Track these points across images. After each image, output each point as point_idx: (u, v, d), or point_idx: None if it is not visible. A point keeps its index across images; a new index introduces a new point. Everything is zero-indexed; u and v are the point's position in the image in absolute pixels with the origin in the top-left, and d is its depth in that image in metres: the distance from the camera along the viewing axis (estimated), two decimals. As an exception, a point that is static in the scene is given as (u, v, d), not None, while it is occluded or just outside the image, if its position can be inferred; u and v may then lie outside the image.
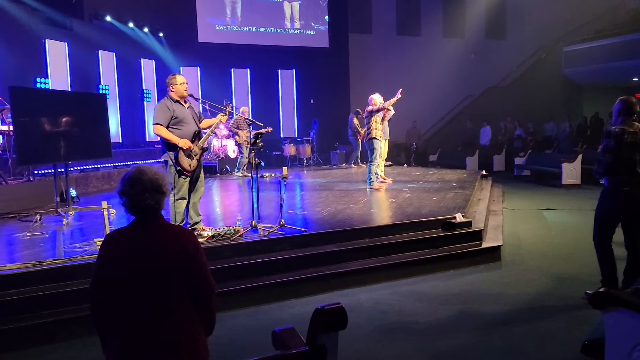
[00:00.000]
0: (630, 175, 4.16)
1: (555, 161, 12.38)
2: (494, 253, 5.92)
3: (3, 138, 7.40)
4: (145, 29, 13.71)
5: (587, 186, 11.42)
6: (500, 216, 8.00)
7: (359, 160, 13.59)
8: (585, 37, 18.04)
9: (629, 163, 4.14)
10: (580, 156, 11.92)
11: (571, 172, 11.80)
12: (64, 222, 6.23)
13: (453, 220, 6.09)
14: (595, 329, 3.28)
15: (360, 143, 13.15)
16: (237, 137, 11.31)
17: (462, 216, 6.23)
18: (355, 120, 13.04)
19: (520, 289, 4.91)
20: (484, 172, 11.89)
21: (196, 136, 5.17)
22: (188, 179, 5.16)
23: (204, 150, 5.27)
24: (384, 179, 9.83)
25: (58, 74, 10.81)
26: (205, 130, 5.37)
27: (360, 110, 13.15)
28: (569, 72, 18.79)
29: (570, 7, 17.82)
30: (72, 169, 8.09)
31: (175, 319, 2.04)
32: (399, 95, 8.81)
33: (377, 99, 8.86)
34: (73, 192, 7.59)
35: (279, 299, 4.69)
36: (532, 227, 7.61)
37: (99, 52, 12.09)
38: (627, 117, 4.24)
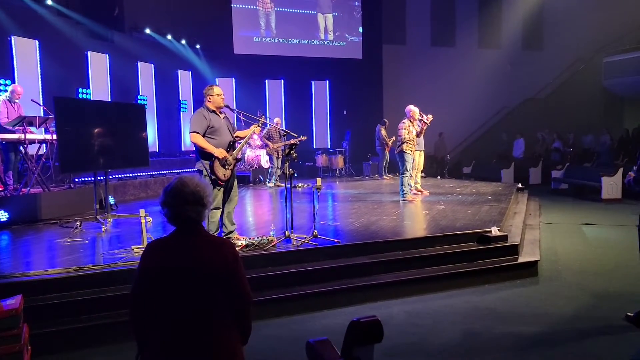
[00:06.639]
0: None
1: (594, 175, 12.02)
2: (531, 268, 5.77)
3: (46, 147, 7.66)
4: (183, 41, 14.08)
5: (629, 201, 11.04)
6: (537, 230, 7.81)
7: (387, 171, 13.49)
8: (627, 47, 17.55)
9: None
10: (621, 170, 11.52)
11: (611, 186, 11.43)
12: (103, 229, 6.39)
13: (488, 234, 5.98)
14: (640, 351, 3.15)
15: (387, 154, 13.09)
16: (267, 147, 11.43)
17: (498, 230, 6.11)
18: (383, 131, 13.00)
19: (558, 306, 4.76)
20: (520, 185, 11.64)
21: (231, 146, 5.25)
22: (222, 188, 5.23)
23: (237, 160, 5.34)
24: (420, 191, 9.73)
25: (99, 85, 11.18)
26: (239, 141, 5.44)
27: (387, 121, 13.12)
28: (609, 84, 18.30)
29: (610, 17, 17.39)
30: (110, 177, 8.30)
31: (214, 328, 2.06)
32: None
33: (415, 110, 8.87)
34: (112, 200, 7.79)
35: (312, 309, 4.68)
36: (570, 243, 7.39)
37: (138, 63, 12.48)
38: None
